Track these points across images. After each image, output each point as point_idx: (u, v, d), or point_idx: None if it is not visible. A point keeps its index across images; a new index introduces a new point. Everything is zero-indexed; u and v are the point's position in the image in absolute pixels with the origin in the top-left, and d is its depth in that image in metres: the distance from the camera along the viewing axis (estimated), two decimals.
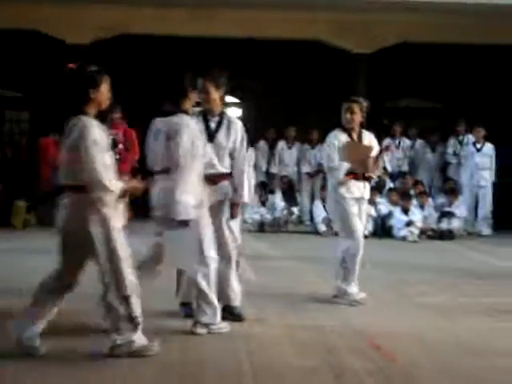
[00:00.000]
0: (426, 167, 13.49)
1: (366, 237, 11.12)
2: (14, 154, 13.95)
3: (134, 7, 12.92)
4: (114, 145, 8.94)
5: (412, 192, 12.12)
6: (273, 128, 13.73)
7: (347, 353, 4.52)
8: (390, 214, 11.70)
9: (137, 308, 4.31)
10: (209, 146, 5.23)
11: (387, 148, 6.52)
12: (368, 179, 6.31)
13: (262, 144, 13.65)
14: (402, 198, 11.79)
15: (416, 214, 11.39)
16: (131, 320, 4.29)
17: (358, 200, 6.23)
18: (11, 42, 13.98)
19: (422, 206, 11.69)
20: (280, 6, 12.68)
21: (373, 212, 11.70)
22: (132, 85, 14.14)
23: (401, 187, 12.59)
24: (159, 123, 5.01)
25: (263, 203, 12.36)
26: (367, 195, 6.35)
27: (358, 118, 6.34)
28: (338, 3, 12.48)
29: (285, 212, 12.35)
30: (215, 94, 5.36)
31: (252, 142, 11.76)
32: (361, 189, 6.23)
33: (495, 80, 14.84)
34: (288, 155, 13.66)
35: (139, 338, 4.34)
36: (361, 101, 6.39)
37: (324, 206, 12.10)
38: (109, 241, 4.23)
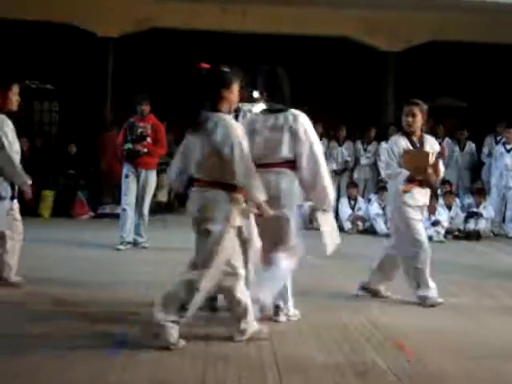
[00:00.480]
0: (453, 166, 13.35)
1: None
2: (43, 144, 14.12)
3: (165, 1, 12.98)
4: (143, 138, 9.01)
5: (439, 192, 12.05)
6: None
7: (371, 351, 4.53)
8: None
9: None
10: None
11: (442, 152, 6.29)
12: (431, 186, 6.15)
13: None
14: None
15: (442, 214, 11.32)
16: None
17: (421, 207, 6.12)
18: (42, 34, 14.10)
19: (449, 206, 11.62)
20: (309, 4, 12.68)
21: None
22: (161, 79, 14.22)
23: None
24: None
25: None
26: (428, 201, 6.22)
27: (419, 121, 6.12)
28: (367, 1, 12.44)
29: (310, 210, 12.34)
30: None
31: None
32: (424, 196, 6.08)
33: None
34: None
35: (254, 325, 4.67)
36: (421, 103, 6.13)
37: (349, 204, 12.11)
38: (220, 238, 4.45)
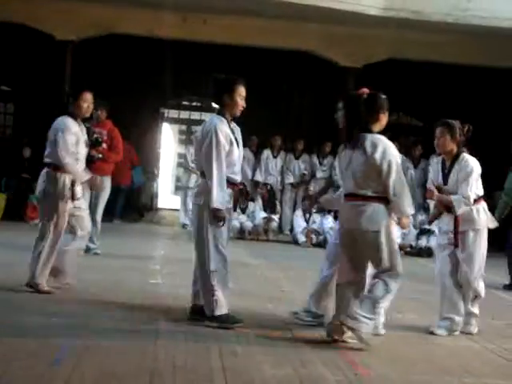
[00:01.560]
0: (408, 183, 13.47)
1: None
2: None
3: (126, 7, 12.90)
4: (98, 143, 8.89)
5: None
6: (254, 136, 13.67)
7: (320, 365, 4.51)
8: None
9: None
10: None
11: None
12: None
13: (247, 152, 13.65)
14: None
15: (395, 231, 11.41)
16: None
17: None
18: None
19: None
20: (271, 16, 12.72)
21: None
22: (119, 85, 14.12)
23: None
24: None
25: (243, 211, 12.36)
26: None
27: (446, 142, 5.77)
28: (329, 16, 12.53)
29: (264, 220, 12.36)
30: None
31: None
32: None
33: (478, 100, 14.96)
34: (273, 164, 13.67)
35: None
36: (451, 124, 5.83)
37: (304, 217, 12.14)
38: (391, 241, 5.04)
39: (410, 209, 5.12)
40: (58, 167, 6.23)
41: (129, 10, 12.90)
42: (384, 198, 5.01)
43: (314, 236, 11.98)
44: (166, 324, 5.33)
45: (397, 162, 5.00)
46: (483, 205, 5.79)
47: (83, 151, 6.42)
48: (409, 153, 13.82)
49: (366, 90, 5.21)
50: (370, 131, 5.07)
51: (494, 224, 5.86)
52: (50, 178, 6.22)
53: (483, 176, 5.89)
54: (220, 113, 5.46)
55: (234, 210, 6.02)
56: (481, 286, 5.81)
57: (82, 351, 4.40)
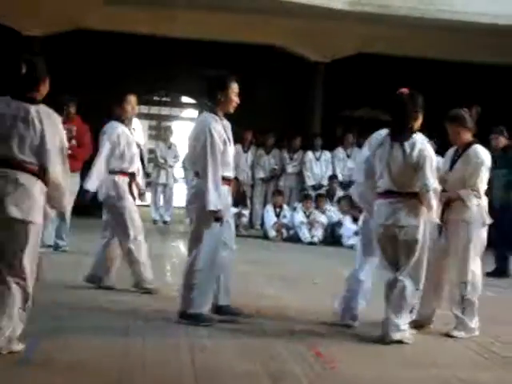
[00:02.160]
0: None
1: (315, 244, 11.48)
2: None
3: (93, 2, 12.81)
4: (67, 140, 8.83)
5: None
6: None
7: (289, 359, 4.55)
8: (339, 223, 11.83)
9: None
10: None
11: None
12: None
13: None
14: (353, 207, 11.89)
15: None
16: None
17: None
18: None
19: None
20: (240, 11, 12.70)
21: (323, 219, 11.82)
22: (85, 80, 14.01)
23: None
24: None
25: None
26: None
27: (461, 136, 5.65)
28: (297, 10, 12.55)
29: (235, 215, 12.37)
30: None
31: None
32: None
33: (446, 94, 15.10)
34: (243, 159, 13.68)
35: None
36: (461, 116, 5.67)
37: (275, 211, 12.17)
38: (424, 242, 5.19)
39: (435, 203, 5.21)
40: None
41: (96, 5, 12.80)
42: (416, 194, 5.18)
43: (284, 230, 12.03)
44: (136, 321, 5.33)
45: (431, 161, 5.14)
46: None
47: (135, 151, 6.66)
48: None
49: (405, 90, 5.37)
50: (411, 130, 5.21)
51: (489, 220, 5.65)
52: None
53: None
54: (212, 110, 5.43)
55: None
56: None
57: (51, 349, 4.39)
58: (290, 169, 13.61)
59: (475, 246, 5.52)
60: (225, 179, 5.38)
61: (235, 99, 5.49)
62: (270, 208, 12.26)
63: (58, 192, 4.38)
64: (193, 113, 19.38)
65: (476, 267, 5.52)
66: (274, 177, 13.62)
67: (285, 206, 12.43)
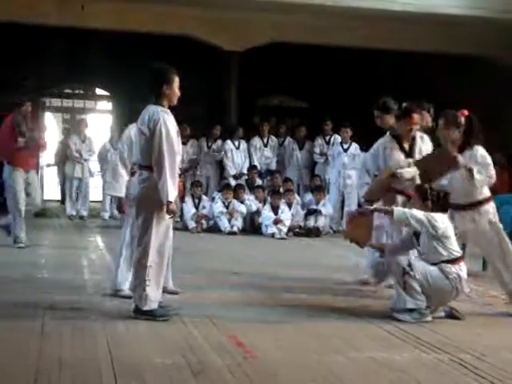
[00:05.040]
0: (294, 165, 13.71)
1: (235, 233, 11.48)
2: None
3: None
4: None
5: (281, 190, 12.31)
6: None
7: (209, 350, 4.53)
8: (258, 212, 11.87)
9: None
10: None
11: None
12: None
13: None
14: (272, 195, 11.97)
15: (285, 212, 11.58)
16: None
17: None
18: None
19: (289, 204, 11.88)
20: (151, 1, 12.53)
21: (242, 209, 11.83)
22: None
23: (270, 185, 12.79)
24: None
25: None
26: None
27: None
28: (210, 0, 12.48)
29: None
30: None
31: None
32: None
33: (361, 82, 15.36)
34: None
35: None
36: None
37: (194, 202, 12.10)
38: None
39: None
40: None
41: None
42: (489, 198, 6.11)
43: (204, 221, 11.98)
44: (52, 319, 5.20)
45: (487, 168, 5.99)
46: None
47: None
48: (294, 134, 14.03)
49: (465, 112, 6.03)
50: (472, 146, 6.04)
51: None
52: None
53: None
54: (158, 103, 5.40)
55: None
56: None
57: None
58: (208, 158, 13.62)
59: None
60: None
61: (178, 92, 5.51)
62: (188, 199, 12.17)
63: None
64: (107, 105, 19.08)
65: None
66: (192, 167, 13.54)
67: (204, 197, 12.38)
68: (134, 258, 5.47)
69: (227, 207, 11.86)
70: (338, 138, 12.90)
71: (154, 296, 5.31)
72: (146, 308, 5.28)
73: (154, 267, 5.29)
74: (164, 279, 5.55)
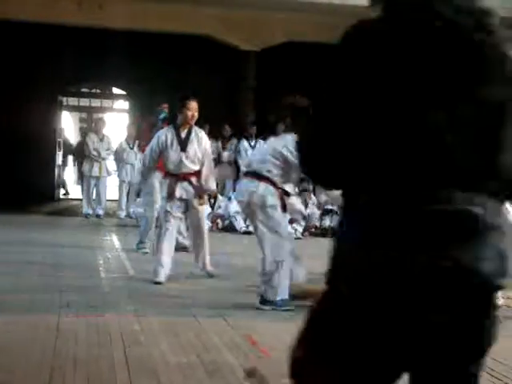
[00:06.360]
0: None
1: (250, 233, 11.46)
2: None
3: None
4: None
5: (296, 190, 12.26)
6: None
7: (224, 349, 4.53)
8: None
9: None
10: None
11: None
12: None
13: None
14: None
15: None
16: None
17: None
18: None
19: (305, 204, 11.85)
20: (170, 1, 12.56)
21: None
22: (11, 74, 13.70)
23: None
24: None
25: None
26: None
27: None
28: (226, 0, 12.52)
29: None
30: None
31: None
32: None
33: None
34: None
35: None
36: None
37: (209, 202, 12.11)
38: None
39: None
40: None
41: None
42: None
43: (219, 221, 11.99)
44: (67, 317, 5.22)
45: None
46: None
47: None
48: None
49: None
50: None
51: None
52: None
53: None
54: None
55: None
56: None
57: None
58: (224, 158, 13.60)
59: None
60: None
61: None
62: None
63: None
64: (124, 104, 19.15)
65: None
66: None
67: (219, 197, 12.39)
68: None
69: None
70: None
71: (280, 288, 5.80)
72: (272, 298, 5.75)
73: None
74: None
